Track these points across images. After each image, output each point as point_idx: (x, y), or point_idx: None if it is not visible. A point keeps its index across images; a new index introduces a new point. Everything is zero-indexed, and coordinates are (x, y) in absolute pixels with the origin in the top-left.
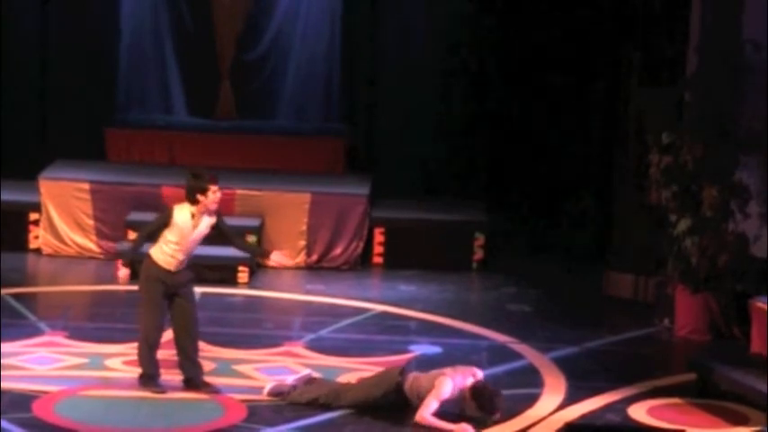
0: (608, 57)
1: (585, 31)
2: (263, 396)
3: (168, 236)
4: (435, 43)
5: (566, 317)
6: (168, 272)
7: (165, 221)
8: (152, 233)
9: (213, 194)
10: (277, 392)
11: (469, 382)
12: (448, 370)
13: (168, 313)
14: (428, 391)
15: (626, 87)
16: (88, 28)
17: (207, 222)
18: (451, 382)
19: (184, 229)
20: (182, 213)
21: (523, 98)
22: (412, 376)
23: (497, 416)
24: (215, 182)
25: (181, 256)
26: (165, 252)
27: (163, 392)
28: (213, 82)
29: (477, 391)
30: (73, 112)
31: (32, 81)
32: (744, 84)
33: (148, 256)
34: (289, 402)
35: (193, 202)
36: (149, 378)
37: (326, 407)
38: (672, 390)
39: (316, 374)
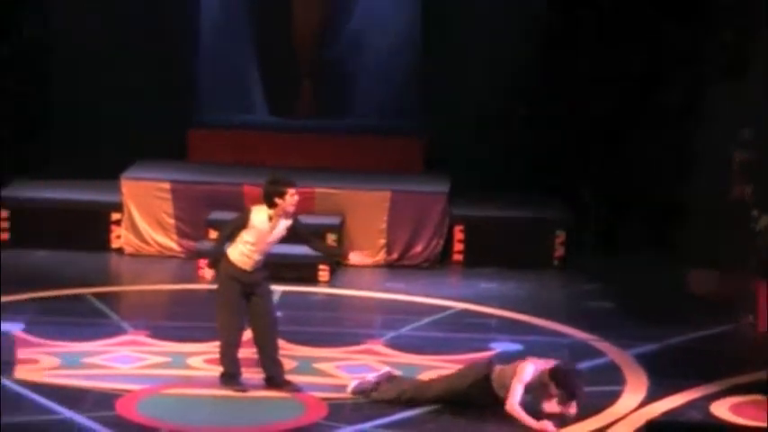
0: (690, 50)
1: (665, 30)
2: (345, 394)
3: (245, 236)
4: (514, 38)
5: (647, 314)
6: (244, 271)
7: (242, 223)
8: (231, 233)
9: (291, 197)
10: (360, 390)
11: (550, 365)
12: (529, 358)
13: (247, 313)
14: (512, 378)
15: (708, 81)
16: (168, 28)
17: (284, 225)
18: (533, 366)
19: (261, 230)
20: (259, 215)
21: (605, 93)
22: (498, 368)
23: (574, 409)
24: (293, 185)
25: (257, 257)
26: (242, 252)
27: (244, 391)
28: (293, 81)
29: (557, 371)
30: (155, 113)
31: (114, 82)
32: None
33: (225, 256)
34: (372, 400)
35: (271, 205)
36: (231, 377)
37: (411, 402)
38: (755, 387)
39: (395, 372)
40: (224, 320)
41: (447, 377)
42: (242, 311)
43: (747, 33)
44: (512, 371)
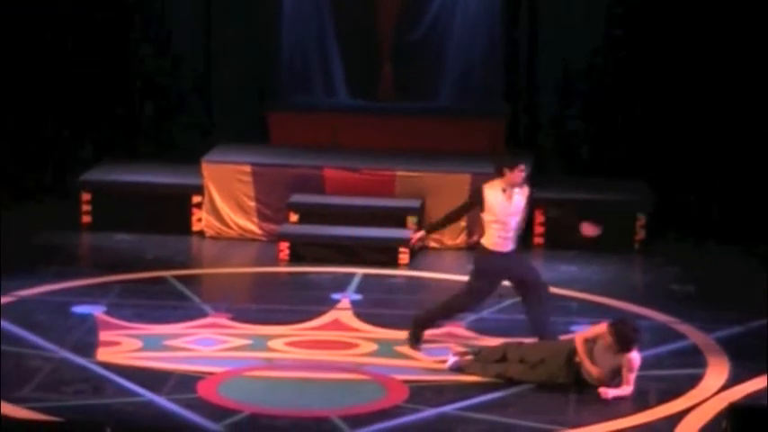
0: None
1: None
2: (427, 377)
3: (487, 218)
4: (596, 18)
5: (731, 297)
6: (503, 254)
7: (471, 205)
8: (454, 216)
9: (519, 171)
10: (457, 367)
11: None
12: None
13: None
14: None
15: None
16: (250, 11)
17: (519, 195)
18: (638, 356)
19: (498, 205)
20: (492, 192)
21: (689, 76)
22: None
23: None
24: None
25: (508, 234)
26: (495, 236)
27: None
28: (374, 64)
29: (617, 326)
30: (236, 96)
31: (196, 67)
32: None
33: (483, 249)
34: (472, 374)
35: (500, 175)
36: (417, 339)
37: (502, 360)
38: None
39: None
40: (459, 300)
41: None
42: (480, 302)
43: None
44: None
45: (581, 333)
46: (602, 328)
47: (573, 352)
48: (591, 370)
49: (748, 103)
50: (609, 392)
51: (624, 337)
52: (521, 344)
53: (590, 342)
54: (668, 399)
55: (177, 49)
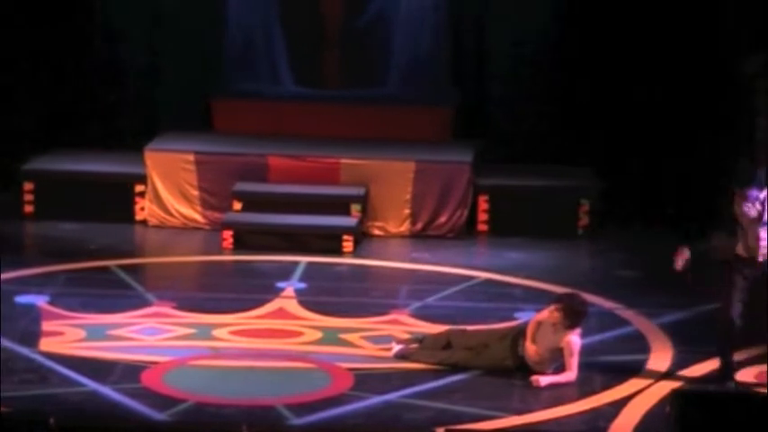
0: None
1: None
2: (372, 365)
3: None
4: (545, 7)
5: (676, 282)
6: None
7: None
8: None
9: None
10: (402, 355)
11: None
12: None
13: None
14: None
15: (736, 51)
16: None
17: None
18: (578, 339)
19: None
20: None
21: (633, 63)
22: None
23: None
24: None
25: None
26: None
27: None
28: (320, 51)
29: (565, 299)
30: (179, 84)
31: (138, 54)
32: None
33: None
34: (417, 361)
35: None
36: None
37: (448, 347)
38: None
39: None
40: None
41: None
42: None
43: None
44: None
45: (537, 315)
46: (550, 311)
47: (518, 336)
48: (529, 347)
49: (697, 90)
50: (540, 380)
51: (572, 309)
52: (464, 330)
53: (541, 324)
54: (613, 384)
55: (122, 36)
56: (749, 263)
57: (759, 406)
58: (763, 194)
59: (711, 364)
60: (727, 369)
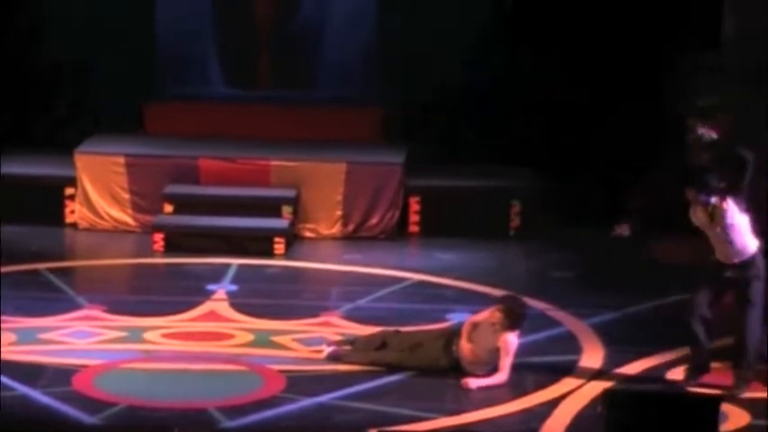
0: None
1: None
2: (304, 367)
3: None
4: (474, 9)
5: (608, 283)
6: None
7: None
8: None
9: None
10: (335, 356)
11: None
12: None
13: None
14: (485, 352)
15: (667, 52)
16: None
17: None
18: (516, 339)
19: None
20: None
21: (560, 62)
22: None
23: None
24: None
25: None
26: None
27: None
28: (251, 52)
29: (506, 301)
30: (111, 86)
31: (70, 55)
32: None
33: None
34: (349, 362)
35: None
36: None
37: (383, 347)
38: (713, 354)
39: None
40: None
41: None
42: None
43: None
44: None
45: (474, 316)
46: (490, 312)
47: (453, 336)
48: (464, 347)
49: (635, 90)
50: (471, 383)
51: (513, 311)
52: (398, 331)
53: (478, 324)
54: (545, 385)
55: (53, 38)
56: (731, 267)
57: (689, 404)
58: (714, 198)
59: (643, 364)
60: (699, 365)
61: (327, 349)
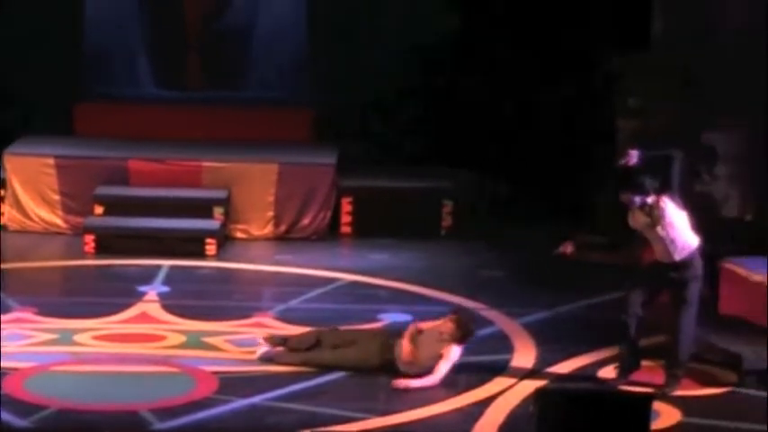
0: (577, 24)
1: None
2: (236, 368)
3: None
4: (404, 11)
5: (539, 282)
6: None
7: None
8: None
9: None
10: (268, 358)
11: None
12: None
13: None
14: (427, 359)
15: (595, 53)
16: (53, 1)
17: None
18: (459, 351)
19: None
20: None
21: (491, 64)
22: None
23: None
24: None
25: None
26: None
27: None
28: (181, 54)
29: (461, 314)
30: (40, 87)
31: (2, 57)
32: (712, 43)
33: None
34: (282, 363)
35: None
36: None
37: (317, 346)
38: (643, 352)
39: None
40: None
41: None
42: None
43: None
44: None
45: (422, 323)
46: (442, 321)
47: (389, 337)
48: (405, 347)
49: (565, 91)
50: (401, 383)
51: (466, 326)
52: (335, 329)
53: (424, 331)
54: (477, 384)
55: None
56: (671, 267)
57: (621, 403)
58: (650, 199)
59: (574, 363)
60: (630, 363)
61: (260, 350)
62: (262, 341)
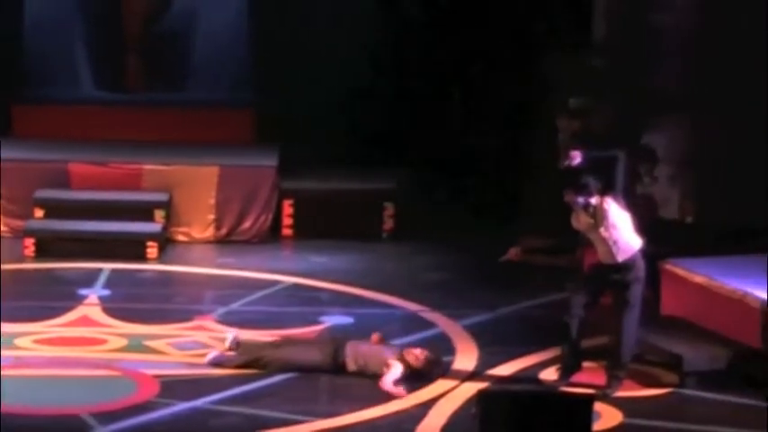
0: (514, 22)
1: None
2: (179, 371)
3: None
4: (344, 12)
5: (480, 283)
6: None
7: None
8: None
9: None
10: (217, 362)
11: (417, 352)
12: (388, 352)
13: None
14: (377, 366)
15: (533, 53)
16: None
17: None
18: (401, 366)
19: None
20: None
21: (430, 66)
22: (350, 345)
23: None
24: None
25: None
26: None
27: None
28: (121, 55)
29: (430, 362)
30: None
31: None
32: (652, 46)
33: None
34: (230, 366)
35: None
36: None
37: (267, 367)
38: (585, 353)
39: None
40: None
41: (299, 348)
42: None
43: None
44: (374, 360)
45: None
46: (412, 349)
47: (340, 344)
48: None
49: (508, 91)
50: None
51: (429, 367)
52: (288, 337)
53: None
54: (419, 386)
55: None
56: (614, 268)
57: (563, 404)
58: (594, 200)
59: (516, 364)
60: (571, 364)
61: (210, 354)
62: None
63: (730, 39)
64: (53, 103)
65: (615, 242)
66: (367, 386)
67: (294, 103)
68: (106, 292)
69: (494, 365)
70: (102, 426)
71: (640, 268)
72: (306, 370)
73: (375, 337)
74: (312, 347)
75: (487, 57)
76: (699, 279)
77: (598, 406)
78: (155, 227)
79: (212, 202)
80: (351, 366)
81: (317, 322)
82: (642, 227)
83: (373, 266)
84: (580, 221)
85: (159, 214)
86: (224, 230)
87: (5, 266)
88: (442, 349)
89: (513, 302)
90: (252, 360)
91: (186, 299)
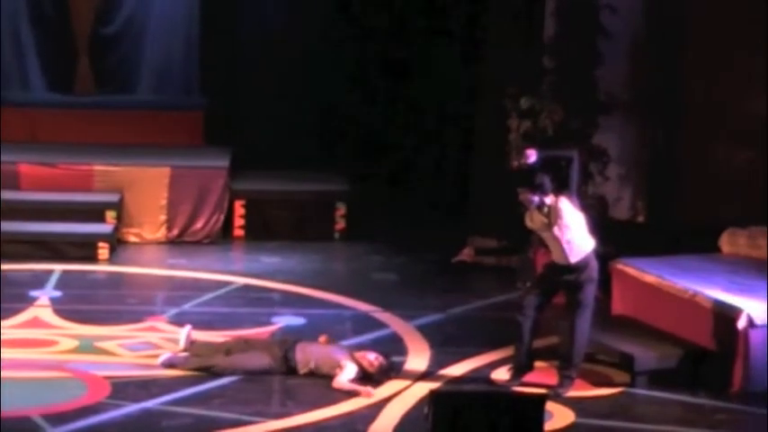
0: (462, 19)
1: None
2: (129, 373)
3: None
4: (296, 12)
5: (431, 284)
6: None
7: None
8: None
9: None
10: (170, 363)
11: (372, 358)
12: (339, 353)
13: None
14: (329, 368)
15: (481, 50)
16: None
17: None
18: (356, 367)
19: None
20: None
21: (380, 65)
22: (299, 347)
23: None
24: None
25: None
26: None
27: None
28: (71, 57)
29: (383, 368)
30: None
31: None
32: (602, 47)
33: None
34: (183, 367)
35: None
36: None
37: (222, 373)
38: (536, 353)
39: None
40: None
41: (250, 353)
42: None
43: None
44: (325, 361)
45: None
46: (366, 353)
47: (292, 345)
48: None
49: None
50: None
51: (382, 373)
52: (242, 338)
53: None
54: (371, 387)
55: None
56: (567, 269)
57: (514, 404)
58: (549, 199)
59: (468, 364)
60: (523, 364)
61: (163, 356)
62: (161, 361)
63: (678, 40)
64: (3, 105)
65: (569, 242)
66: (319, 387)
67: (246, 103)
68: (57, 294)
69: (446, 365)
70: (53, 427)
71: (594, 269)
72: (257, 374)
73: (323, 338)
74: (262, 352)
75: (437, 58)
76: (649, 279)
77: (550, 406)
78: (106, 228)
79: (164, 202)
80: (302, 369)
81: (268, 323)
82: (593, 227)
83: (325, 267)
84: (534, 221)
85: (110, 215)
86: (175, 231)
87: None
88: (393, 349)
89: (465, 302)
90: (203, 368)
91: (138, 300)
